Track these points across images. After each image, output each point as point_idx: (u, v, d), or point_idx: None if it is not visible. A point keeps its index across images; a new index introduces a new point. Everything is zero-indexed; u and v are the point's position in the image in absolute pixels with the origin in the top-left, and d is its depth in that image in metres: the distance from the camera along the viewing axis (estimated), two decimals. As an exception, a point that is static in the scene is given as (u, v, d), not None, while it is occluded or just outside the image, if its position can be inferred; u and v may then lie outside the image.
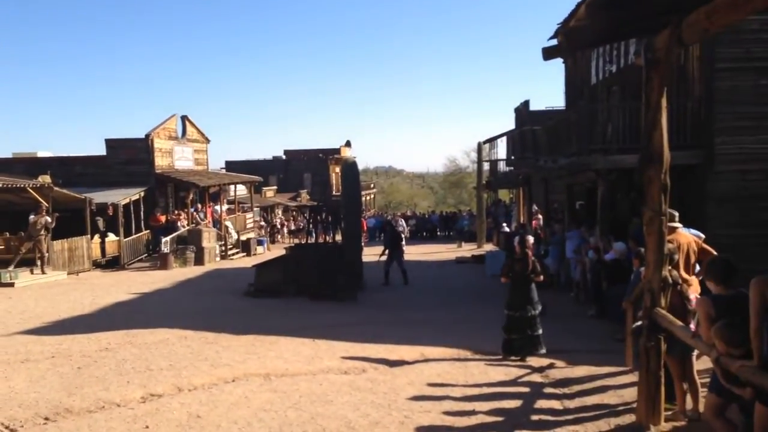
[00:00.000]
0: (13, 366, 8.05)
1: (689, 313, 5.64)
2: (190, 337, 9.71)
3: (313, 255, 15.01)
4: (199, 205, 28.14)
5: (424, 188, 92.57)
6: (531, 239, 9.34)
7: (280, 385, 7.12)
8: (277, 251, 23.17)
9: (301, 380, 7.30)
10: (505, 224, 25.96)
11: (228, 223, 26.95)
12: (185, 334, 9.90)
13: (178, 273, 20.20)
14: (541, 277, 8.67)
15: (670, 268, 5.68)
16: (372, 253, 18.44)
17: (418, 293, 15.17)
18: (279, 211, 42.69)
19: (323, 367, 7.86)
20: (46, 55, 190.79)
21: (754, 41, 11.43)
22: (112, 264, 21.89)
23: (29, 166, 24.12)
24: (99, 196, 21.84)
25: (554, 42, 14.49)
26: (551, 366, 7.86)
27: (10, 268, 17.42)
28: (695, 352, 5.57)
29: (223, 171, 40.06)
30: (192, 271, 20.69)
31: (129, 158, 25.32)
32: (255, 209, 34.04)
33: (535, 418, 5.98)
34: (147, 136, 25.40)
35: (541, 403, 6.41)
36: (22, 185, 18.66)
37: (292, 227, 36.21)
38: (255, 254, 26.19)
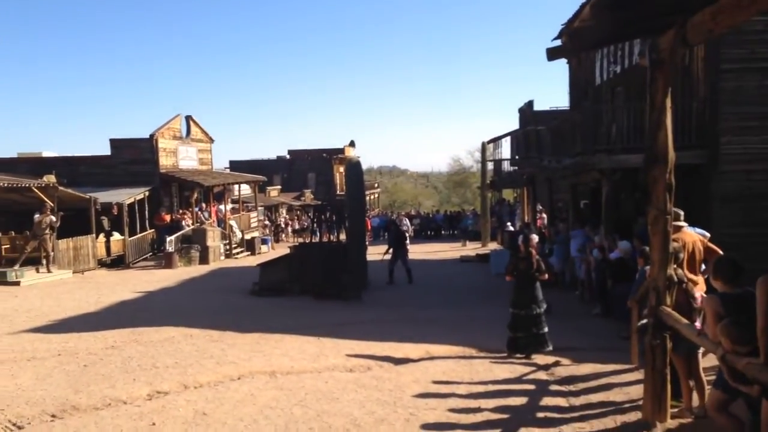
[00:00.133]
0: (19, 364, 8.10)
1: (695, 311, 5.65)
2: (195, 335, 9.75)
3: (318, 254, 15.04)
4: (204, 205, 28.20)
5: (428, 188, 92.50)
6: (535, 238, 9.37)
7: (286, 382, 7.14)
8: (282, 250, 23.19)
9: (307, 378, 7.32)
10: (509, 223, 25.95)
11: (232, 223, 26.99)
12: (191, 332, 9.94)
13: (182, 272, 20.25)
14: (546, 276, 8.69)
15: (675, 266, 5.69)
16: (376, 252, 18.46)
17: (422, 292, 15.18)
18: (283, 211, 42.73)
19: (328, 364, 7.89)
20: (51, 55, 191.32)
21: (758, 42, 11.43)
22: (117, 263, 21.96)
23: (34, 165, 24.22)
24: (104, 196, 21.92)
25: (558, 42, 14.48)
26: (557, 364, 7.87)
27: (16, 267, 17.50)
28: (701, 350, 5.59)
29: (228, 171, 40.12)
30: (197, 270, 20.74)
31: (133, 158, 25.40)
32: (259, 208, 34.09)
33: (540, 415, 5.99)
34: (151, 135, 25.48)
35: (547, 401, 6.43)
36: (27, 185, 18.75)
37: (297, 226, 36.27)
38: (259, 253, 26.22)
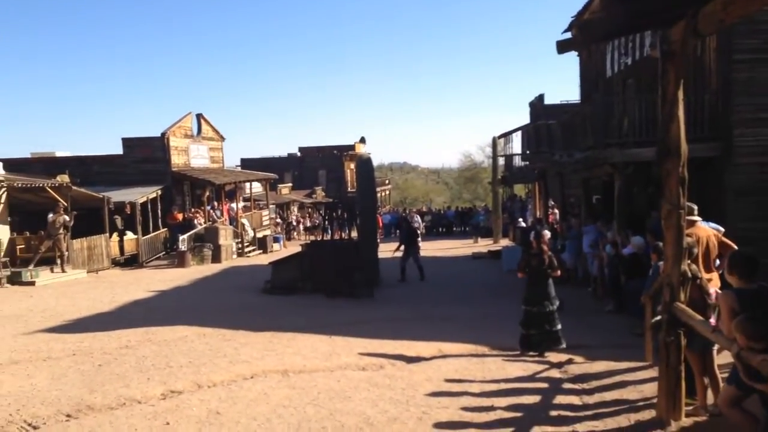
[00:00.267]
0: (35, 364, 8.17)
1: (709, 308, 5.59)
2: (208, 334, 9.79)
3: (330, 252, 15.06)
4: (216, 203, 28.31)
5: (439, 184, 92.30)
6: (547, 234, 9.33)
7: (299, 381, 7.16)
8: (294, 248, 23.25)
9: (319, 377, 7.33)
10: (521, 219, 25.85)
11: (244, 221, 27.08)
12: (204, 331, 9.99)
13: (195, 271, 20.36)
14: (558, 272, 8.64)
15: (689, 262, 5.63)
16: (388, 249, 18.46)
17: (434, 289, 15.16)
18: (294, 208, 42.81)
19: (341, 363, 7.89)
20: (64, 55, 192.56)
21: (771, 32, 11.27)
22: (131, 262, 22.11)
23: (48, 165, 24.41)
24: (117, 195, 22.08)
25: (569, 35, 14.36)
26: (570, 361, 7.82)
27: (31, 267, 17.66)
28: (716, 347, 5.53)
29: (239, 169, 40.24)
30: (209, 269, 20.83)
31: (145, 157, 25.55)
32: (271, 206, 34.17)
33: (554, 413, 5.96)
34: (163, 134, 25.60)
35: (560, 399, 6.39)
36: (41, 185, 18.91)
37: (308, 224, 36.33)
38: (271, 251, 26.31)
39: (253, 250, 26.50)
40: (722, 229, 7.69)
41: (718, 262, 6.97)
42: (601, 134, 12.38)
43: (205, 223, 24.99)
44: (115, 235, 21.77)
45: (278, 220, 35.86)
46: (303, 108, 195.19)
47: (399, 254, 17.00)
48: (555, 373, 7.40)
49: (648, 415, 5.72)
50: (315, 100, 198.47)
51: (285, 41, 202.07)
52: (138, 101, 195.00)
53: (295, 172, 51.45)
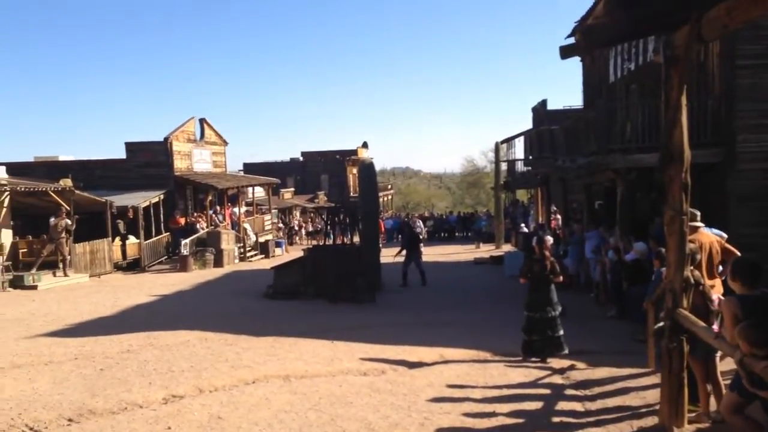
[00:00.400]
0: (37, 368, 8.17)
1: (712, 314, 5.57)
2: (210, 338, 9.78)
3: (332, 257, 15.05)
4: (218, 207, 28.33)
5: (441, 189, 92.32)
6: (550, 240, 9.31)
7: (300, 386, 7.14)
8: (296, 253, 23.25)
9: (321, 382, 7.32)
10: (523, 225, 25.84)
11: (246, 225, 27.11)
12: (206, 335, 9.98)
13: (197, 275, 20.36)
14: (561, 278, 8.61)
15: (692, 268, 5.61)
16: (390, 254, 18.45)
17: (436, 294, 15.14)
18: (297, 213, 42.84)
19: (343, 368, 7.88)
20: (67, 60, 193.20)
21: (775, 37, 11.26)
22: (133, 266, 22.13)
23: (51, 169, 24.50)
24: (119, 199, 22.12)
25: (572, 40, 14.36)
26: (572, 367, 7.80)
27: (33, 271, 17.69)
28: (719, 353, 5.50)
29: (241, 173, 40.30)
30: (211, 273, 20.84)
31: (148, 161, 25.60)
32: (273, 211, 34.21)
33: (556, 420, 5.93)
34: (166, 139, 25.65)
35: (562, 405, 6.36)
36: (43, 189, 18.95)
37: (310, 229, 36.33)
38: (273, 256, 26.32)
39: (255, 254, 26.51)
40: (725, 235, 7.68)
41: (721, 268, 6.96)
42: (604, 140, 12.37)
43: (207, 227, 25.02)
44: (117, 240, 21.80)
45: (280, 225, 35.89)
46: (305, 112, 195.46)
47: (400, 259, 16.98)
48: (557, 379, 7.37)
49: (650, 421, 5.69)
50: (318, 105, 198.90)
51: (288, 47, 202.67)
52: (141, 106, 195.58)
53: (298, 177, 51.53)
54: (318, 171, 52.42)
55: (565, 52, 5.92)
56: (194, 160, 27.48)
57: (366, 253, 15.20)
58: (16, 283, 17.01)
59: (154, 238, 23.54)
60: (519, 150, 23.43)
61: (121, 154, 26.30)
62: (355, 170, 46.26)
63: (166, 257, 23.89)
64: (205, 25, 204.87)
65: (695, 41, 5.12)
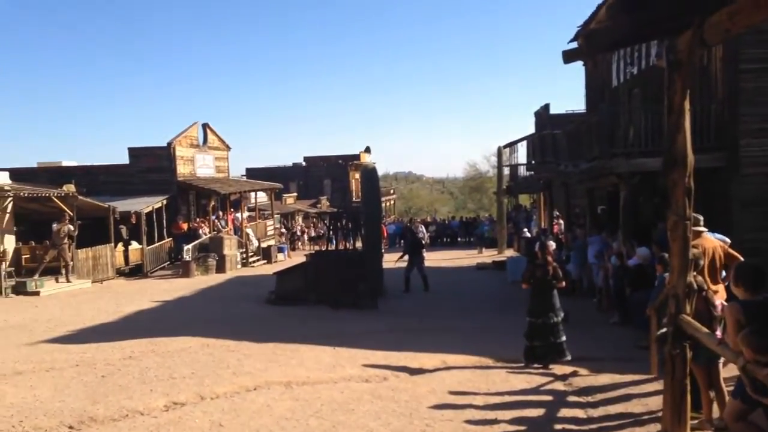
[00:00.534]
0: (38, 375, 8.15)
1: (715, 320, 5.54)
2: (212, 345, 9.76)
3: (334, 262, 15.03)
4: (221, 213, 28.37)
5: (444, 194, 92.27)
6: (552, 245, 9.28)
7: (302, 393, 7.12)
8: (298, 258, 23.27)
9: (323, 388, 7.29)
10: (525, 229, 25.79)
11: (249, 231, 27.11)
12: (207, 342, 9.96)
13: (199, 281, 20.36)
14: (563, 283, 8.58)
15: (695, 273, 5.57)
16: (392, 260, 18.43)
17: (438, 300, 15.11)
18: (299, 218, 42.88)
19: (344, 375, 7.85)
20: (71, 66, 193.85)
21: (778, 41, 11.24)
22: (135, 272, 22.14)
23: (54, 175, 24.53)
24: (122, 205, 22.16)
25: (574, 45, 14.38)
26: (574, 374, 7.76)
27: (36, 277, 17.71)
28: (722, 360, 5.47)
29: (244, 178, 40.35)
30: (213, 279, 20.84)
31: (151, 166, 25.66)
32: (275, 216, 34.23)
33: (558, 427, 5.90)
34: (169, 144, 25.72)
35: (565, 412, 6.33)
36: (47, 194, 18.99)
37: (313, 234, 36.34)
38: (276, 261, 26.32)
39: (258, 260, 26.51)
40: (728, 240, 7.64)
41: (724, 273, 6.92)
42: (607, 144, 12.34)
43: (209, 232, 25.05)
44: (120, 245, 21.83)
45: (283, 230, 35.90)
46: (308, 117, 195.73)
47: (402, 264, 16.95)
48: (559, 386, 7.34)
49: (653, 428, 5.66)
50: (320, 109, 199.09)
51: (291, 51, 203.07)
52: (144, 111, 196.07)
53: (300, 182, 51.58)
54: (321, 176, 52.48)
55: (568, 57, 5.91)
56: (197, 165, 27.53)
57: (368, 258, 15.18)
58: (19, 289, 17.05)
59: (157, 244, 23.57)
60: (522, 154, 23.44)
61: (124, 159, 26.41)
62: (357, 175, 46.29)
63: (168, 263, 23.91)
64: (208, 31, 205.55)
65: (698, 46, 5.10)
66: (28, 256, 19.43)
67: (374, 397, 6.90)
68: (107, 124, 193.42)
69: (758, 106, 11.39)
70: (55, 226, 18.39)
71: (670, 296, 5.48)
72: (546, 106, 24.56)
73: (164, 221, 24.53)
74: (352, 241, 17.16)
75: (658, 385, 6.38)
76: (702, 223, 7.08)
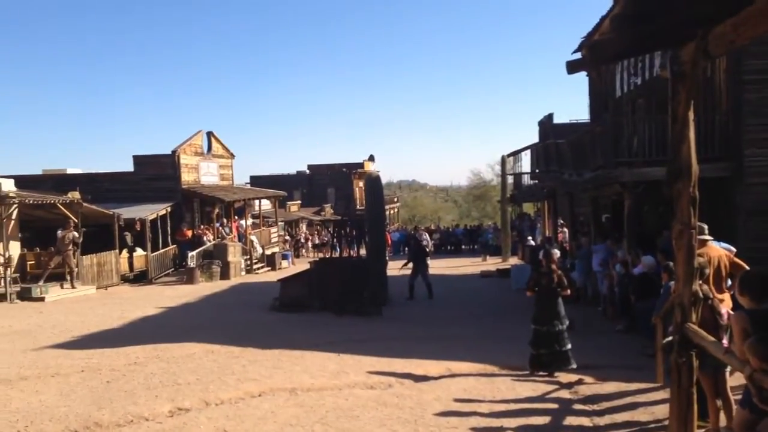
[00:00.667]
0: (43, 380, 8.18)
1: (721, 328, 5.54)
2: (216, 351, 9.78)
3: (338, 269, 15.05)
4: (225, 220, 28.41)
5: (447, 202, 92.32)
6: (557, 253, 9.27)
7: (307, 399, 7.12)
8: (302, 265, 23.25)
9: (327, 395, 7.29)
10: (530, 238, 25.78)
11: (253, 238, 27.15)
12: (212, 348, 9.97)
13: (204, 287, 20.38)
14: (568, 292, 8.58)
15: (700, 282, 5.58)
16: (396, 267, 18.44)
17: (443, 307, 15.10)
18: (303, 226, 42.90)
19: (349, 381, 7.85)
20: (77, 75, 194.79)
21: (782, 52, 11.27)
22: (140, 278, 22.18)
23: (59, 182, 24.61)
24: (127, 212, 22.21)
25: (578, 55, 14.40)
26: (580, 382, 7.75)
27: (41, 283, 17.75)
28: (728, 368, 5.47)
29: (248, 186, 40.42)
30: (218, 286, 20.86)
31: (156, 174, 25.71)
32: (279, 224, 34.26)
33: (563, 435, 5.90)
34: (173, 152, 25.78)
35: (571, 420, 6.33)
36: (52, 201, 19.05)
37: (317, 241, 36.38)
38: (280, 268, 26.34)
39: (262, 267, 26.54)
40: (734, 249, 7.65)
41: (729, 282, 6.92)
42: (611, 154, 12.36)
43: (214, 239, 25.08)
44: (124, 252, 21.89)
45: (287, 238, 35.95)
46: (312, 126, 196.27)
47: (406, 271, 16.95)
48: (565, 394, 7.33)
49: (659, 437, 5.66)
50: (324, 118, 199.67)
51: (295, 60, 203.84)
52: (149, 120, 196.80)
53: (304, 190, 51.66)
54: (324, 184, 52.55)
55: (572, 67, 5.93)
56: (201, 173, 27.59)
57: (372, 266, 15.19)
58: (24, 295, 17.07)
59: (161, 251, 23.62)
60: (525, 163, 23.49)
61: (129, 167, 26.50)
62: (361, 183, 46.34)
63: (173, 269, 23.95)
64: (213, 40, 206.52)
65: (702, 57, 5.12)
66: (33, 262, 19.48)
67: (379, 404, 6.90)
68: (112, 132, 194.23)
69: (762, 117, 11.41)
70: (60, 232, 18.45)
71: (676, 305, 5.48)
72: (550, 116, 24.60)
73: (169, 228, 24.58)
74: (356, 249, 17.17)
75: (664, 394, 6.38)
76: (707, 231, 7.08)
